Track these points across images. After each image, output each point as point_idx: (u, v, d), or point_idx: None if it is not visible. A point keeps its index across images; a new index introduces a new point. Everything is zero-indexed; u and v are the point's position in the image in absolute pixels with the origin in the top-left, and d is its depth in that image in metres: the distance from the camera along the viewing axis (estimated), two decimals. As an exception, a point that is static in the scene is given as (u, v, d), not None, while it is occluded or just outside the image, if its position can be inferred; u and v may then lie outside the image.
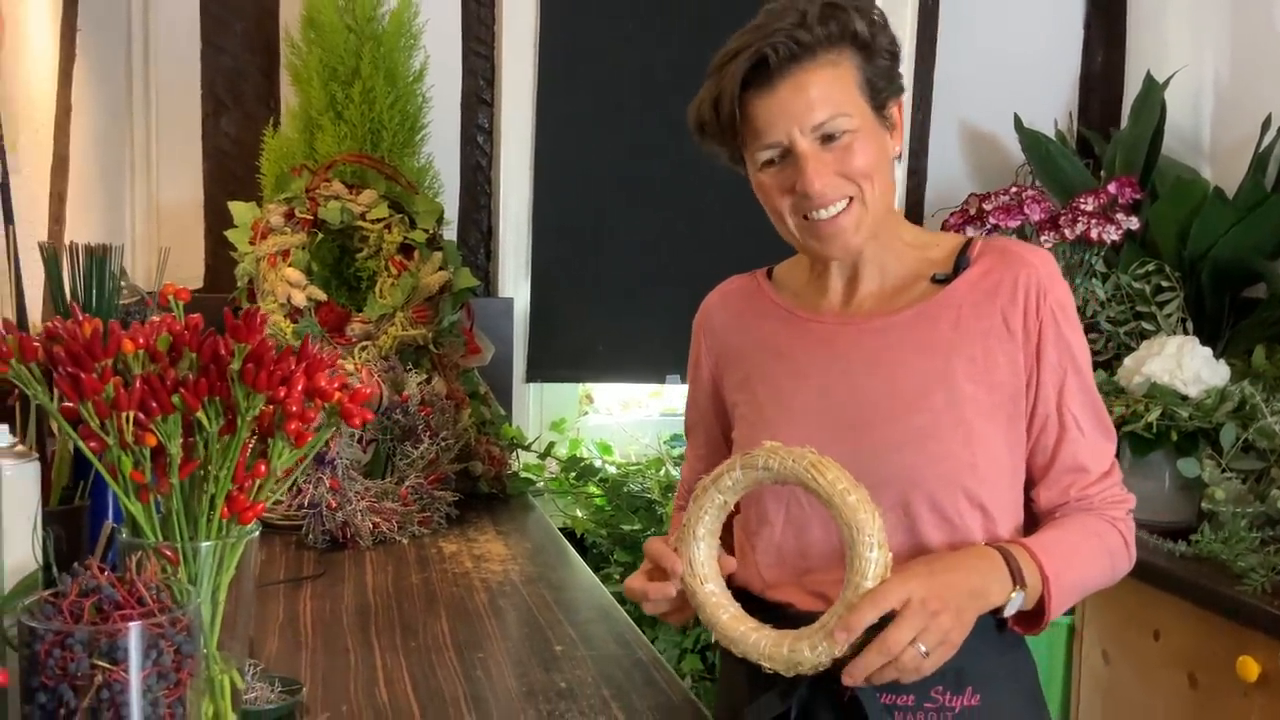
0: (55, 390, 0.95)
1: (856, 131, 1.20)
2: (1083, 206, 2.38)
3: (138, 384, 0.93)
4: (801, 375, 1.29)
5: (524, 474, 2.46)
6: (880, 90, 1.23)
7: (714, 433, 1.43)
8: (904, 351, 1.25)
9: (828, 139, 1.20)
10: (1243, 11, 2.64)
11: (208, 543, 0.99)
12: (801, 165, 1.20)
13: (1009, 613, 1.17)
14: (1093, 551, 1.25)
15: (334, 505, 1.88)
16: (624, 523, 2.47)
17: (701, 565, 1.17)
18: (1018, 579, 1.17)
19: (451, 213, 2.65)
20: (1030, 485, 1.28)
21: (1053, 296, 1.24)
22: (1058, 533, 1.24)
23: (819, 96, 1.19)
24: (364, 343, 2.18)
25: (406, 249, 2.25)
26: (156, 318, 1.08)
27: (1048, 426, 1.25)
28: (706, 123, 1.25)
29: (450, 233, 2.63)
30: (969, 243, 1.30)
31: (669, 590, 1.19)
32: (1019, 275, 1.24)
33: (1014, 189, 2.52)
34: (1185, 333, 2.35)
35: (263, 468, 0.99)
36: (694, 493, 1.20)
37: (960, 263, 1.27)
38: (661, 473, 2.64)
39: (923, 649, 1.08)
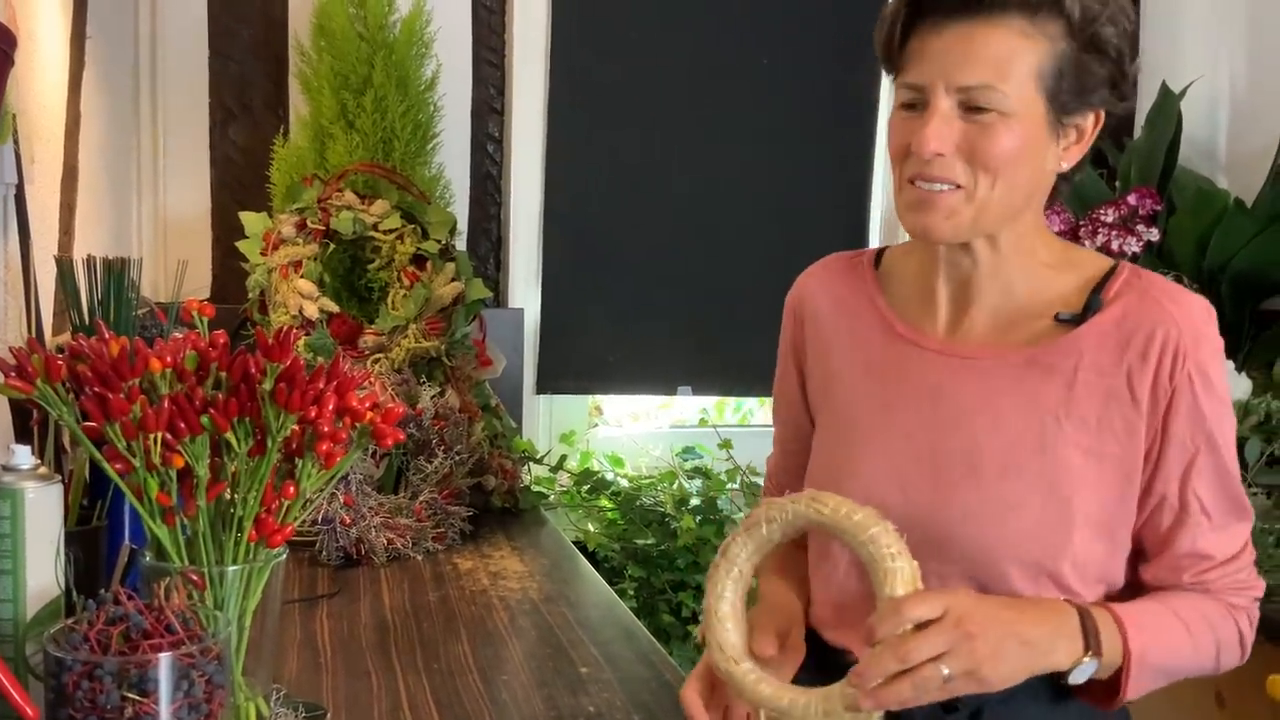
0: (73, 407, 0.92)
1: (1008, 116, 1.03)
2: (1103, 218, 2.36)
3: (166, 404, 0.90)
4: (889, 409, 1.16)
5: (536, 488, 2.43)
6: (1065, 89, 1.05)
7: (805, 427, 1.28)
8: (1007, 403, 1.10)
9: (971, 110, 1.04)
10: (1259, 21, 2.62)
11: (235, 567, 0.96)
12: (925, 120, 1.05)
13: (1075, 680, 1.03)
14: (1195, 638, 1.08)
15: (348, 521, 1.85)
16: (637, 537, 2.44)
17: (733, 646, 1.09)
18: (1092, 645, 1.02)
19: (461, 222, 2.62)
20: (1138, 557, 1.12)
21: (1194, 359, 1.05)
22: (1158, 606, 1.08)
23: (982, 58, 1.03)
24: (376, 355, 2.15)
25: (419, 260, 2.22)
26: (179, 334, 1.05)
27: (1163, 507, 1.08)
28: (877, 41, 1.12)
29: (460, 243, 2.60)
30: (1111, 273, 1.12)
31: None
32: (1156, 329, 1.06)
33: (1031, 200, 2.49)
34: (1205, 345, 2.33)
35: (291, 489, 0.96)
36: (708, 573, 1.12)
37: (1093, 302, 1.10)
38: (675, 486, 2.61)
39: (945, 671, 0.94)
